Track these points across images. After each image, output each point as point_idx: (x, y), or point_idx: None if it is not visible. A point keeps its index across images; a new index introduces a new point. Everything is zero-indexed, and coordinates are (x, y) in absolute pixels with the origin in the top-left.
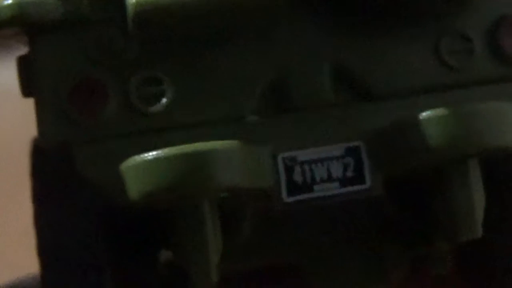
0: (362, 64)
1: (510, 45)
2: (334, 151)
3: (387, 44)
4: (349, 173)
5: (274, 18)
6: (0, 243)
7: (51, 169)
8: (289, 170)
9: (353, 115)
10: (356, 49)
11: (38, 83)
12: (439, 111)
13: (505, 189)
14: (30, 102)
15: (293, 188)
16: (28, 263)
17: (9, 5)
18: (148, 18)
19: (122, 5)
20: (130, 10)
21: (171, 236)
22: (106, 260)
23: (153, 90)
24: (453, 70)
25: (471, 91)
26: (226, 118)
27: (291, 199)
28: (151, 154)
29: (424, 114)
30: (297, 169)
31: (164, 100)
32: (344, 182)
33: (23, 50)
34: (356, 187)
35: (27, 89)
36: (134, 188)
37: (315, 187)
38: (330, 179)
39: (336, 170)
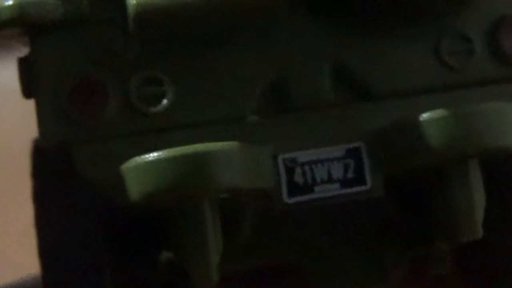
0: (362, 64)
1: (510, 45)
2: (335, 152)
3: (387, 44)
4: (350, 174)
5: (274, 18)
6: (0, 243)
7: (51, 169)
8: (289, 171)
9: (353, 115)
10: (356, 49)
11: (39, 83)
12: (440, 112)
13: (505, 189)
14: (30, 102)
15: (293, 189)
16: (29, 264)
17: (10, 6)
18: (149, 19)
19: (122, 5)
20: (131, 10)
21: (171, 237)
22: (106, 260)
23: (153, 90)
24: (453, 70)
25: (471, 91)
26: (226, 119)
27: (291, 200)
28: (152, 155)
29: (425, 115)
30: (298, 170)
31: (164, 100)
32: (344, 183)
33: (24, 50)
34: (356, 188)
35: (27, 90)
36: (135, 189)
37: (316, 188)
38: (330, 180)
39: (337, 171)
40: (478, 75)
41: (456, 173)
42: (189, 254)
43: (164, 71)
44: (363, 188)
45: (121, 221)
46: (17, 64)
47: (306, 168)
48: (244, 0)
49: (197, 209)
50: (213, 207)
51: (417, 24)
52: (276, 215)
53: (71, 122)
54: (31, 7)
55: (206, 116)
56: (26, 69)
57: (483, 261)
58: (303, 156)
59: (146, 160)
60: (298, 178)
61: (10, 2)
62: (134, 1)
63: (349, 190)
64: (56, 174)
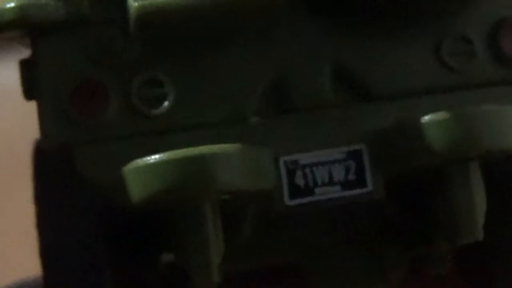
0: (362, 65)
1: (511, 47)
2: (336, 154)
3: (388, 45)
4: (351, 177)
5: (274, 18)
6: (0, 243)
7: (52, 170)
8: (291, 173)
9: (353, 116)
10: (356, 50)
11: (40, 84)
12: (441, 114)
13: (505, 190)
14: (30, 103)
15: (295, 191)
16: (29, 264)
17: (11, 8)
18: (150, 20)
19: (123, 6)
20: (132, 12)
21: (172, 238)
22: (106, 261)
23: (154, 92)
24: (453, 71)
25: (471, 93)
26: (227, 120)
27: (293, 202)
28: (154, 158)
29: (426, 117)
30: (299, 172)
31: (165, 102)
32: (345, 185)
33: (24, 51)
34: (357, 190)
35: (29, 92)
36: (136, 191)
37: (317, 190)
38: (331, 182)
39: (338, 174)
40: (479, 76)
41: (456, 175)
42: (190, 255)
43: (165, 72)
44: (364, 190)
45: (121, 221)
46: (18, 66)
47: (307, 170)
48: (244, 1)
49: (198, 211)
50: (214, 208)
51: (417, 25)
52: (276, 216)
53: (72, 123)
54: (32, 9)
55: (207, 117)
56: (28, 71)
57: (483, 261)
58: (304, 158)
59: (148, 162)
60: (299, 180)
61: (12, 4)
62: (136, 3)
63: (350, 192)
64: (57, 175)
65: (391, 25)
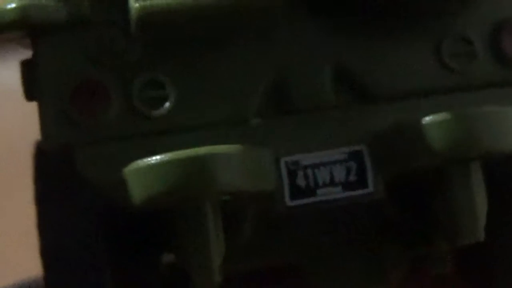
0: (363, 66)
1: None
2: (337, 155)
3: (388, 46)
4: (352, 177)
5: (275, 19)
6: (1, 243)
7: (53, 171)
8: (292, 174)
9: (354, 117)
10: (357, 51)
11: (41, 85)
12: (441, 115)
13: (506, 190)
14: (31, 103)
15: (296, 192)
16: (29, 264)
17: (12, 9)
18: (151, 21)
19: (124, 7)
20: (133, 13)
21: (173, 238)
22: (107, 261)
23: (154, 92)
24: (454, 72)
25: (472, 94)
26: (229, 121)
27: (294, 203)
28: (154, 158)
29: (426, 118)
30: (300, 173)
31: (166, 103)
32: (346, 186)
33: (25, 52)
34: (358, 191)
35: (30, 93)
36: (137, 192)
37: (318, 191)
38: (333, 183)
39: (339, 174)
40: (479, 77)
41: (457, 175)
42: (190, 256)
43: (165, 73)
44: (365, 191)
45: (122, 222)
46: (19, 67)
47: (309, 171)
48: (244, 1)
49: (199, 211)
50: (215, 209)
51: (418, 26)
52: (277, 216)
53: (72, 124)
54: (33, 10)
55: (208, 118)
56: (29, 71)
57: (483, 261)
58: (305, 159)
59: (149, 163)
60: (300, 181)
61: (13, 5)
62: (137, 4)
63: (351, 193)
64: (57, 175)
65: (392, 25)
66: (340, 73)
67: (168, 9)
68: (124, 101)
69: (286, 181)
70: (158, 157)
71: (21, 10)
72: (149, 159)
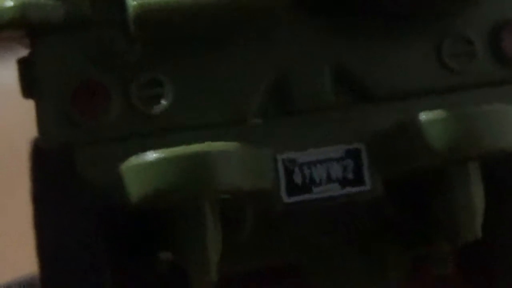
0: (363, 66)
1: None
2: (334, 153)
3: (388, 46)
4: (349, 175)
5: (275, 19)
6: (1, 242)
7: (50, 169)
8: (288, 171)
9: (353, 116)
10: (357, 51)
11: (40, 84)
12: (440, 114)
13: (505, 190)
14: (30, 102)
15: (292, 189)
16: (28, 264)
17: (10, 7)
18: (149, 20)
19: (123, 7)
20: (131, 12)
21: (171, 237)
22: (106, 260)
23: (155, 92)
24: (454, 72)
25: (472, 93)
26: (227, 120)
27: (290, 200)
28: (151, 155)
29: (425, 117)
30: (297, 170)
31: (165, 102)
32: (343, 183)
33: (23, 51)
34: (355, 189)
35: (27, 91)
36: (135, 190)
37: (315, 189)
38: (329, 180)
39: (336, 172)
40: (479, 77)
41: (456, 174)
42: (188, 254)
43: (165, 73)
44: (362, 188)
45: (121, 221)
46: (16, 65)
47: (305, 168)
48: (244, 1)
49: (197, 210)
50: (213, 207)
51: (418, 26)
52: (276, 216)
53: (73, 124)
54: (32, 9)
55: (207, 117)
56: (26, 70)
57: (484, 261)
58: (302, 156)
59: (146, 160)
60: (297, 178)
61: (11, 4)
62: (135, 3)
63: (348, 191)
64: (55, 174)
65: (392, 26)
66: (340, 73)
67: (166, 7)
68: (125, 101)
69: (283, 178)
70: (154, 154)
71: (20, 8)
72: (145, 155)
